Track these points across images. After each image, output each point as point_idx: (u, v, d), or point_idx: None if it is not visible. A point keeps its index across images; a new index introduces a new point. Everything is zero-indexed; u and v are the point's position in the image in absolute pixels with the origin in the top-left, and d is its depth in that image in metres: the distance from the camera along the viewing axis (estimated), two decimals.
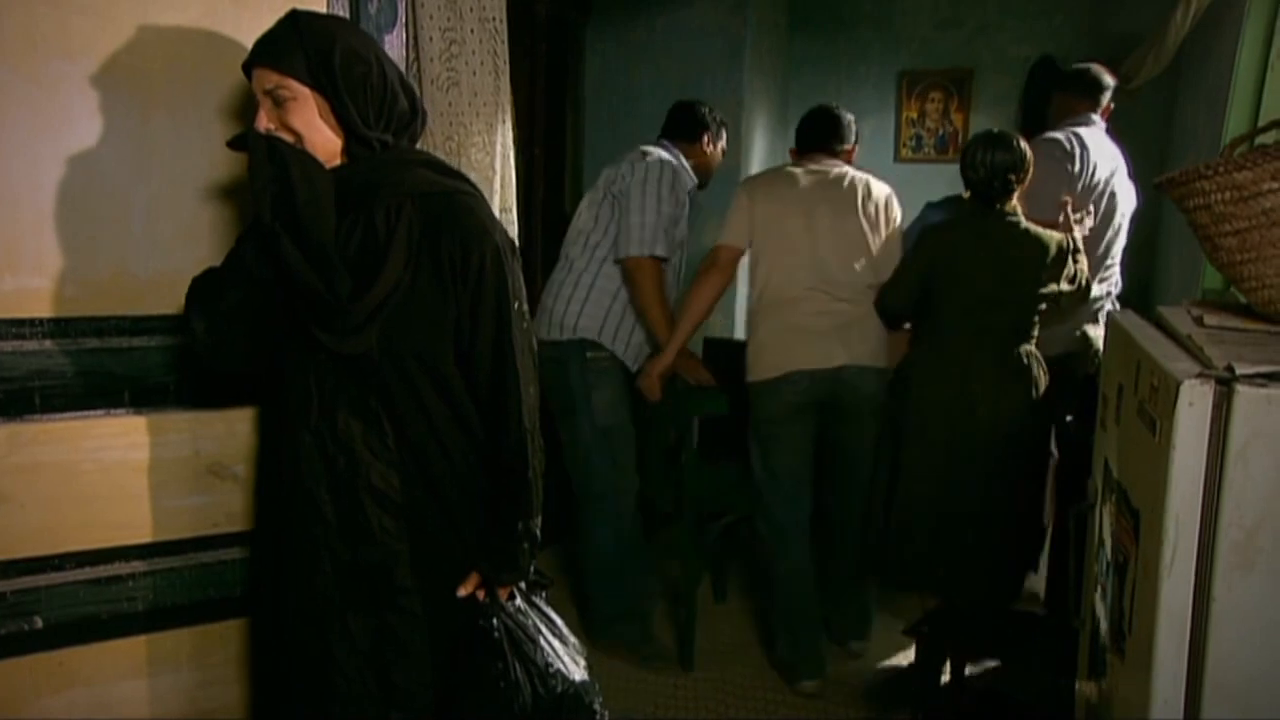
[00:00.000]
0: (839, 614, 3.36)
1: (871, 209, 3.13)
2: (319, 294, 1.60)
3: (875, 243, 3.12)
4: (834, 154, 3.24)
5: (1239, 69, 3.11)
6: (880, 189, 3.20)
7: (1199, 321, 1.65)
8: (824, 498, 3.25)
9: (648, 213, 3.11)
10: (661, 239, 3.11)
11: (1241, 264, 1.60)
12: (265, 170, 1.58)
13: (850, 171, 3.21)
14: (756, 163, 5.46)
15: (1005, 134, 2.94)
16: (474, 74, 2.13)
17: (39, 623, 1.78)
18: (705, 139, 3.41)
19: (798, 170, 3.19)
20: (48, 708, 1.81)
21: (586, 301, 3.17)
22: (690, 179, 3.33)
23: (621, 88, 5.01)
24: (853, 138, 3.31)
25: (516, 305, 1.72)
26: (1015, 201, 2.94)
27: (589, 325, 3.16)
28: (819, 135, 3.26)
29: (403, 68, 2.05)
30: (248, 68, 1.63)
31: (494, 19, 2.14)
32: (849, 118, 3.33)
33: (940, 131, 5.87)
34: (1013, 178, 2.89)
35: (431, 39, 2.07)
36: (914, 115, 5.91)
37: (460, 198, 1.71)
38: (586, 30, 5.03)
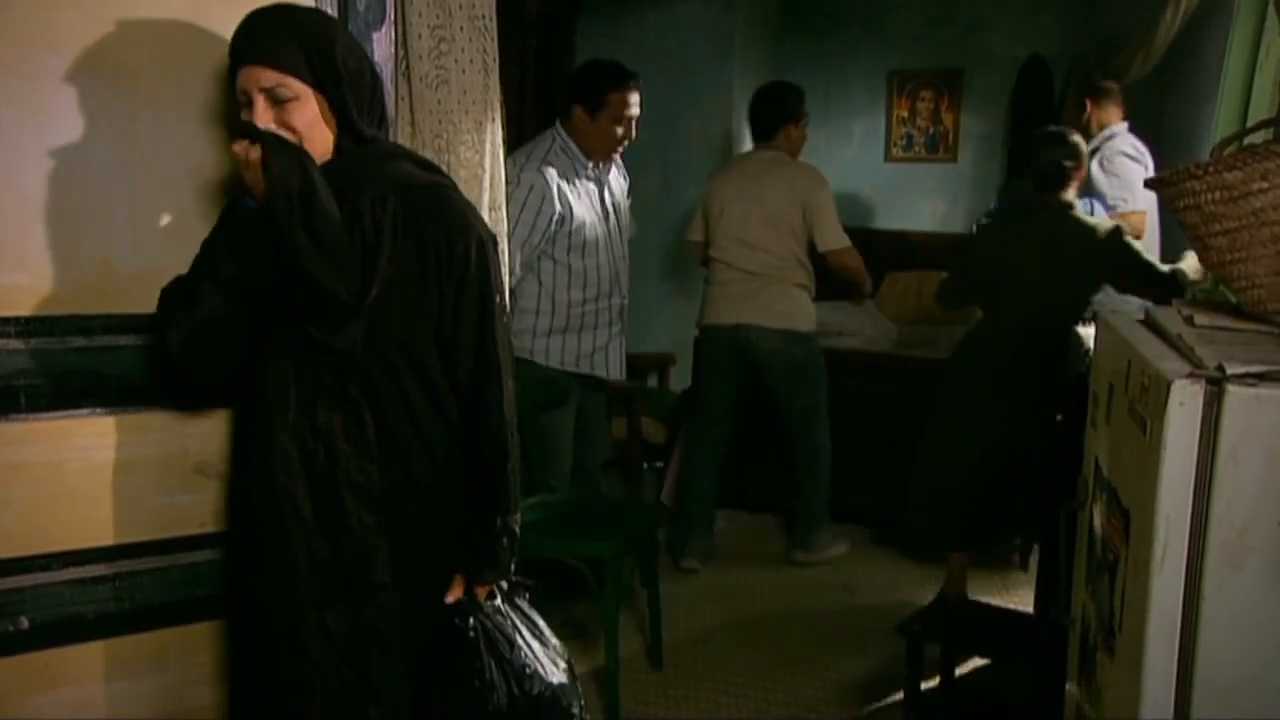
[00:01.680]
0: (794, 528, 4.04)
1: (793, 194, 3.67)
2: (331, 292, 1.58)
3: (795, 221, 3.69)
4: (769, 143, 3.78)
5: (1228, 69, 3.12)
6: (803, 174, 3.74)
7: (1189, 321, 1.65)
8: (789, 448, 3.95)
9: (522, 232, 3.04)
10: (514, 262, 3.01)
11: (1231, 263, 1.61)
12: (286, 169, 1.54)
13: (775, 159, 3.75)
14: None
15: (1064, 130, 3.37)
16: (463, 72, 2.12)
17: (25, 623, 1.77)
18: (576, 113, 3.17)
19: (744, 160, 3.88)
20: (34, 708, 1.80)
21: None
22: (578, 164, 3.17)
23: None
24: (783, 118, 3.73)
25: (497, 298, 1.73)
26: (1071, 192, 3.28)
27: (521, 345, 3.13)
28: (754, 128, 3.86)
29: (391, 65, 2.04)
30: (235, 65, 1.61)
31: (483, 16, 2.13)
32: (779, 97, 3.78)
33: (931, 130, 5.87)
34: (1070, 166, 3.24)
35: (420, 36, 2.06)
36: (904, 114, 5.91)
37: (442, 190, 1.73)
38: (577, 28, 5.02)
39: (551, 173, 3.09)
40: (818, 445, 3.90)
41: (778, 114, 3.74)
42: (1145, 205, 3.87)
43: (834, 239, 3.70)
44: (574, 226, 3.14)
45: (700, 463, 3.97)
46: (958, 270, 3.53)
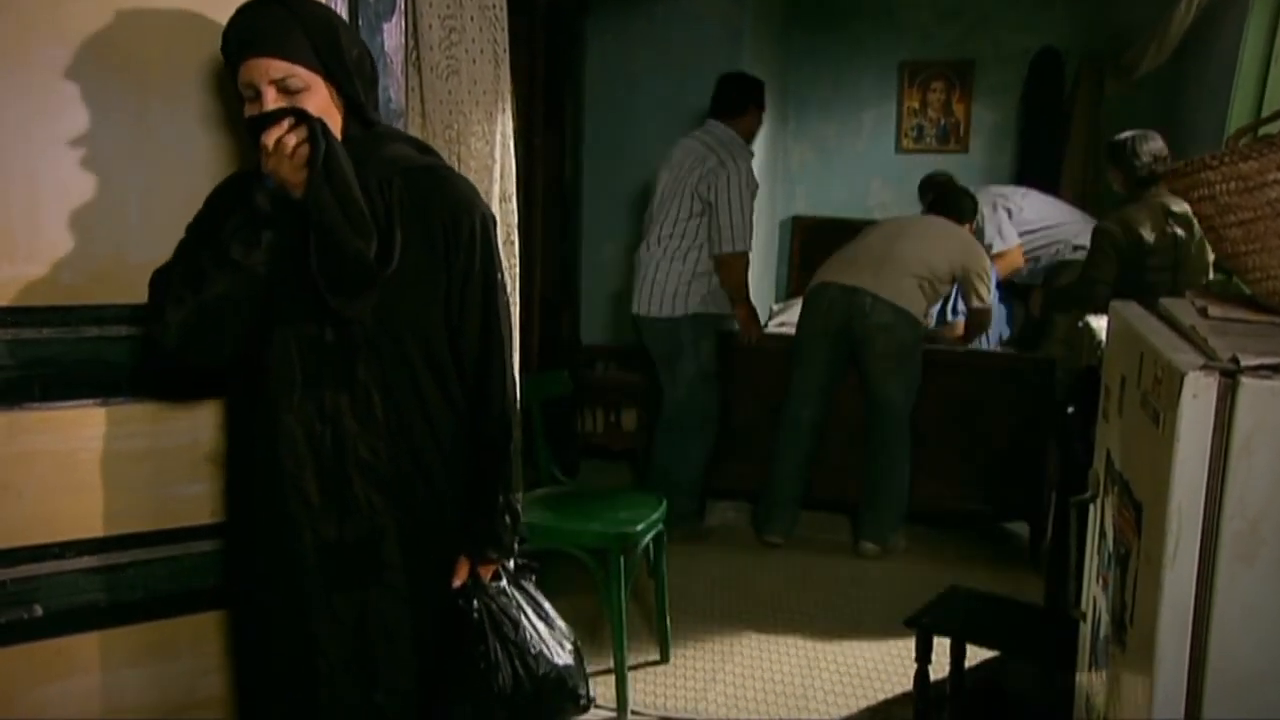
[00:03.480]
0: (865, 521, 4.01)
1: (959, 254, 3.99)
2: (356, 255, 1.58)
3: (942, 270, 3.96)
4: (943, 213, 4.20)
5: (1243, 60, 3.11)
6: (975, 246, 4.11)
7: (1203, 313, 1.64)
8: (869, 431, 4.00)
9: (746, 214, 3.83)
10: (747, 237, 3.87)
11: (1246, 255, 1.59)
12: (323, 147, 1.55)
13: (958, 228, 4.14)
14: (759, 150, 5.44)
15: (1152, 132, 3.60)
16: (474, 62, 2.12)
17: (39, 610, 1.78)
18: (752, 111, 3.96)
19: (930, 216, 4.24)
20: (46, 695, 1.81)
21: (693, 283, 3.89)
22: (750, 154, 3.97)
23: (620, 76, 4.99)
24: (960, 215, 4.20)
25: (499, 275, 1.76)
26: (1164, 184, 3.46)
27: (697, 303, 3.92)
28: (941, 211, 4.21)
29: (401, 56, 2.04)
30: (237, 59, 1.59)
31: (494, 6, 2.13)
32: (965, 196, 4.33)
33: (942, 122, 5.85)
34: (1166, 156, 3.53)
35: (431, 26, 2.06)
36: (916, 105, 5.89)
37: (443, 171, 1.77)
38: (586, 19, 5.01)
39: None
40: (900, 439, 3.91)
41: (968, 210, 4.26)
42: (1015, 242, 4.75)
43: (985, 299, 4.10)
44: None
45: (790, 447, 4.01)
46: (1099, 272, 3.67)
